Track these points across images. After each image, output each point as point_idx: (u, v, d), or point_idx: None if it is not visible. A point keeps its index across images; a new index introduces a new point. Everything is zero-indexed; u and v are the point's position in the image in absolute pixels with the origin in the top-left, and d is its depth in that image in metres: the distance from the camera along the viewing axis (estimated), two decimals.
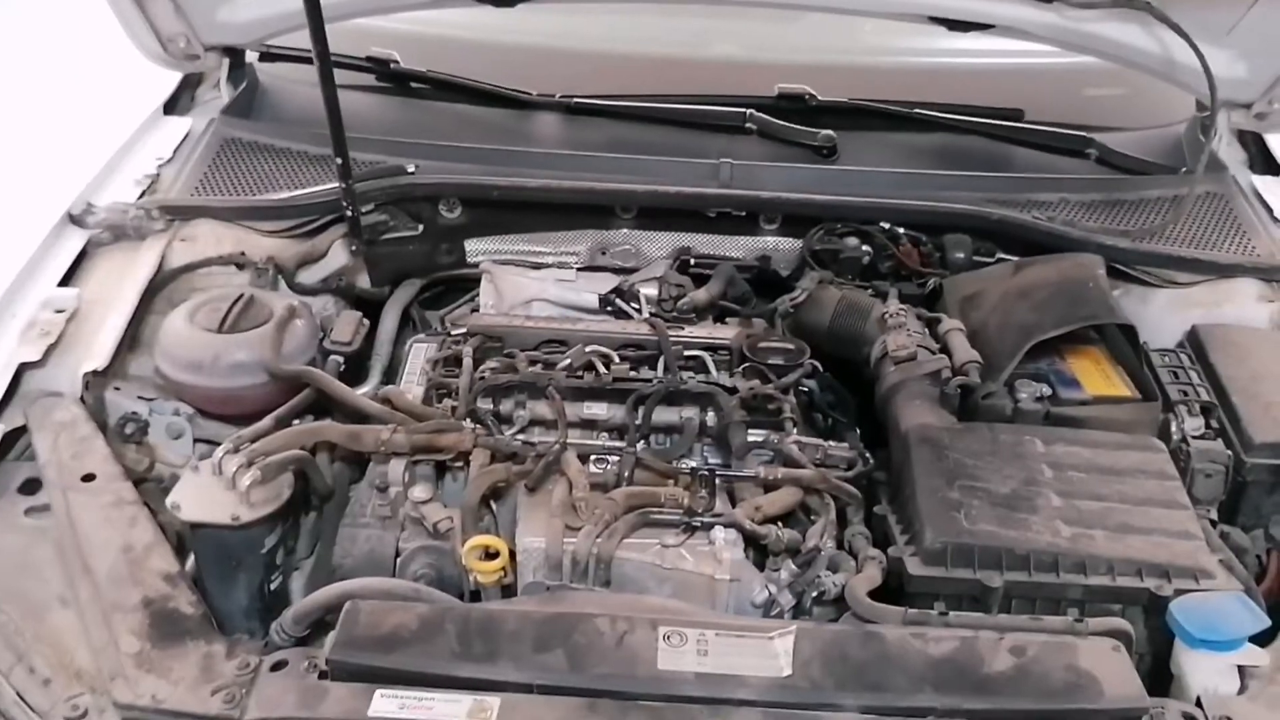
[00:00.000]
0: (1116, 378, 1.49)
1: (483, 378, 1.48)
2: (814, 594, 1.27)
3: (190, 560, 1.29)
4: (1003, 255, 1.79)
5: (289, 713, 1.04)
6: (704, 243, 1.85)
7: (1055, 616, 1.18)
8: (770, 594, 1.27)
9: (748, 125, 2.01)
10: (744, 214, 1.83)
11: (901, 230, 1.79)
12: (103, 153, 1.94)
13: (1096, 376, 1.49)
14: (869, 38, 2.20)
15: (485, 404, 1.47)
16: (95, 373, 1.46)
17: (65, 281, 1.62)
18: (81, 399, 1.43)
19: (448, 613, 1.14)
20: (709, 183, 1.83)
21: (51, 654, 1.11)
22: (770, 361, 1.56)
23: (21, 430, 1.38)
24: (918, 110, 2.07)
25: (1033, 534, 1.24)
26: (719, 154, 1.88)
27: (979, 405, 1.47)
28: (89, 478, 1.30)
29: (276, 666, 1.09)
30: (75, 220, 1.72)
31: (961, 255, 1.78)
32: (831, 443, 1.46)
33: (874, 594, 1.23)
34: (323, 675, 1.07)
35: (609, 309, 1.69)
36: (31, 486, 1.31)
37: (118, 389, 1.50)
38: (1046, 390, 1.46)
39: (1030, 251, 1.73)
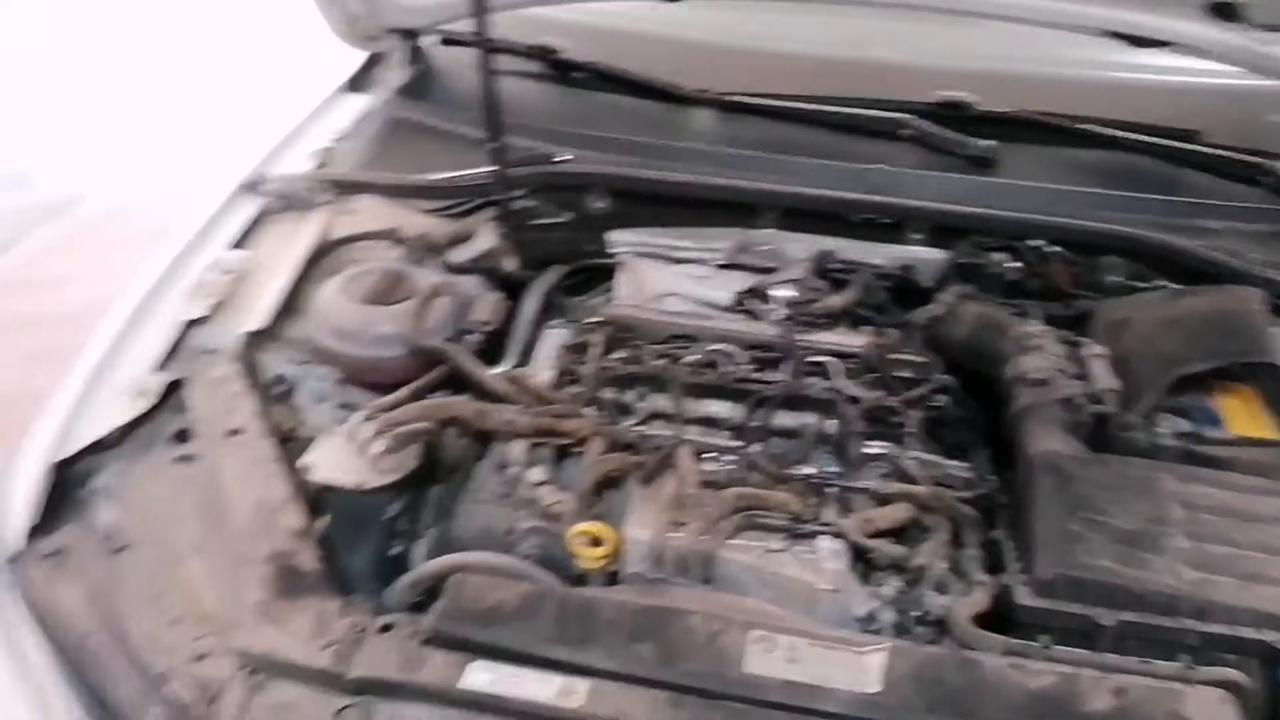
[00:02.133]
0: (1266, 420, 1.38)
1: (608, 367, 1.50)
2: (917, 613, 1.24)
3: (320, 520, 1.35)
4: (1163, 282, 1.69)
5: (389, 674, 1.07)
6: (847, 248, 1.80)
7: (1166, 661, 1.12)
8: (872, 609, 1.24)
9: (903, 131, 1.95)
10: (890, 221, 1.78)
11: (1054, 249, 1.71)
12: (291, 124, 2.06)
13: (1244, 417, 1.39)
14: (1038, 47, 2.09)
15: (609, 393, 1.48)
16: (253, 334, 1.54)
17: (237, 246, 1.72)
18: (238, 357, 1.50)
19: (548, 594, 1.16)
20: (856, 188, 1.79)
21: (183, 597, 1.18)
22: (899, 374, 1.52)
23: (181, 383, 1.45)
24: (1084, 125, 1.97)
25: (1152, 574, 1.17)
26: (870, 159, 1.84)
27: (1114, 436, 1.39)
28: (235, 432, 1.37)
29: (384, 629, 1.13)
30: (252, 188, 1.82)
31: (1115, 279, 1.69)
32: (953, 462, 1.41)
33: (980, 621, 1.19)
34: (426, 642, 1.11)
35: (742, 308, 1.67)
36: (183, 436, 1.39)
37: (272, 351, 1.57)
38: (1188, 427, 1.37)
39: (1190, 280, 1.63)
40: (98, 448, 1.36)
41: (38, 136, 4.65)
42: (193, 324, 1.53)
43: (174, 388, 1.45)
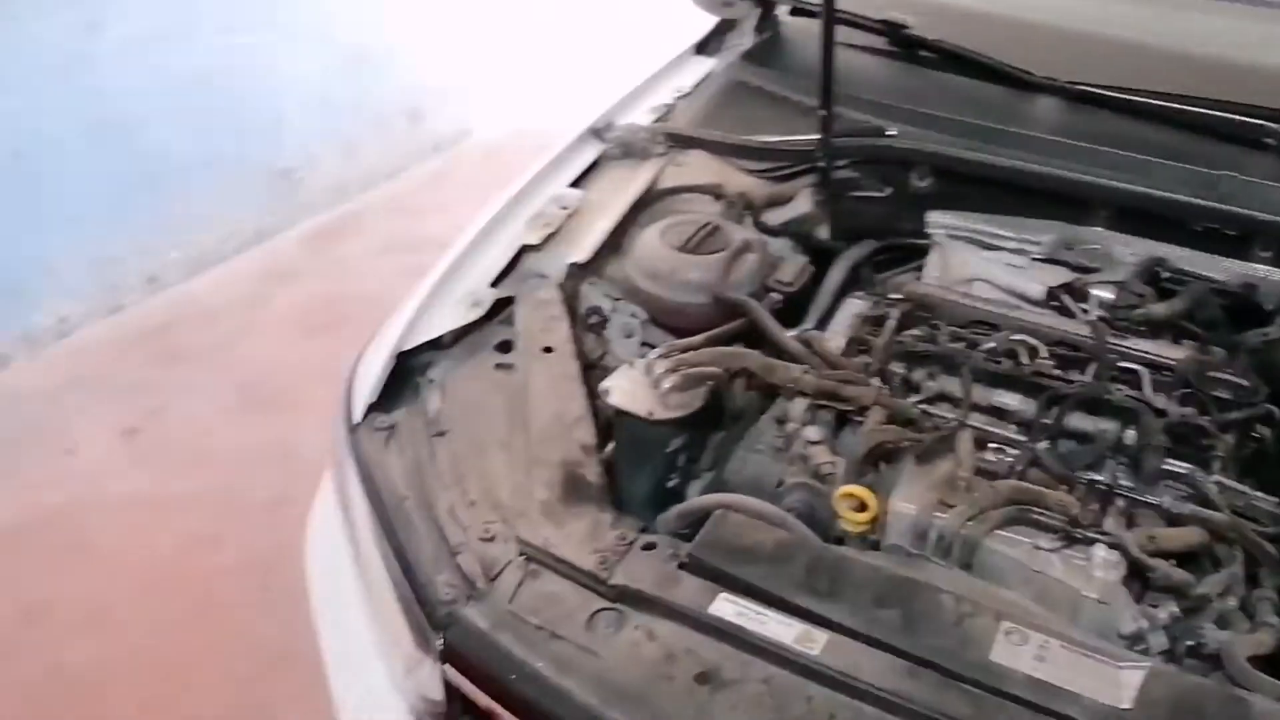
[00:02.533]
0: None
1: (901, 342, 1.47)
2: (1190, 643, 1.14)
3: (610, 444, 1.43)
4: None
5: (645, 588, 1.13)
6: (1183, 258, 1.65)
7: None
8: (1140, 628, 1.16)
9: (1268, 140, 1.76)
10: (1236, 234, 1.62)
11: None
12: (639, 80, 2.16)
13: None
14: None
15: (898, 368, 1.46)
16: (577, 265, 1.64)
17: (576, 184, 1.83)
18: (560, 285, 1.61)
19: (803, 545, 1.18)
20: (1203, 193, 1.64)
21: (481, 484, 1.30)
22: (1217, 394, 1.39)
23: (510, 300, 1.59)
24: None
25: None
26: (1221, 165, 1.67)
27: None
28: (548, 350, 1.47)
29: (647, 547, 1.19)
30: (596, 134, 1.93)
31: None
32: (1263, 495, 1.28)
33: (1259, 664, 1.09)
34: (682, 566, 1.16)
35: (1053, 303, 1.59)
36: (505, 346, 1.52)
37: (592, 284, 1.67)
38: None
39: None
40: (434, 345, 1.51)
41: (431, 78, 5.12)
42: (527, 249, 1.66)
43: (504, 303, 1.58)
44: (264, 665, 2.44)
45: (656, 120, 1.98)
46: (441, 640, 1.14)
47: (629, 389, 1.40)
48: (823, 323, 1.66)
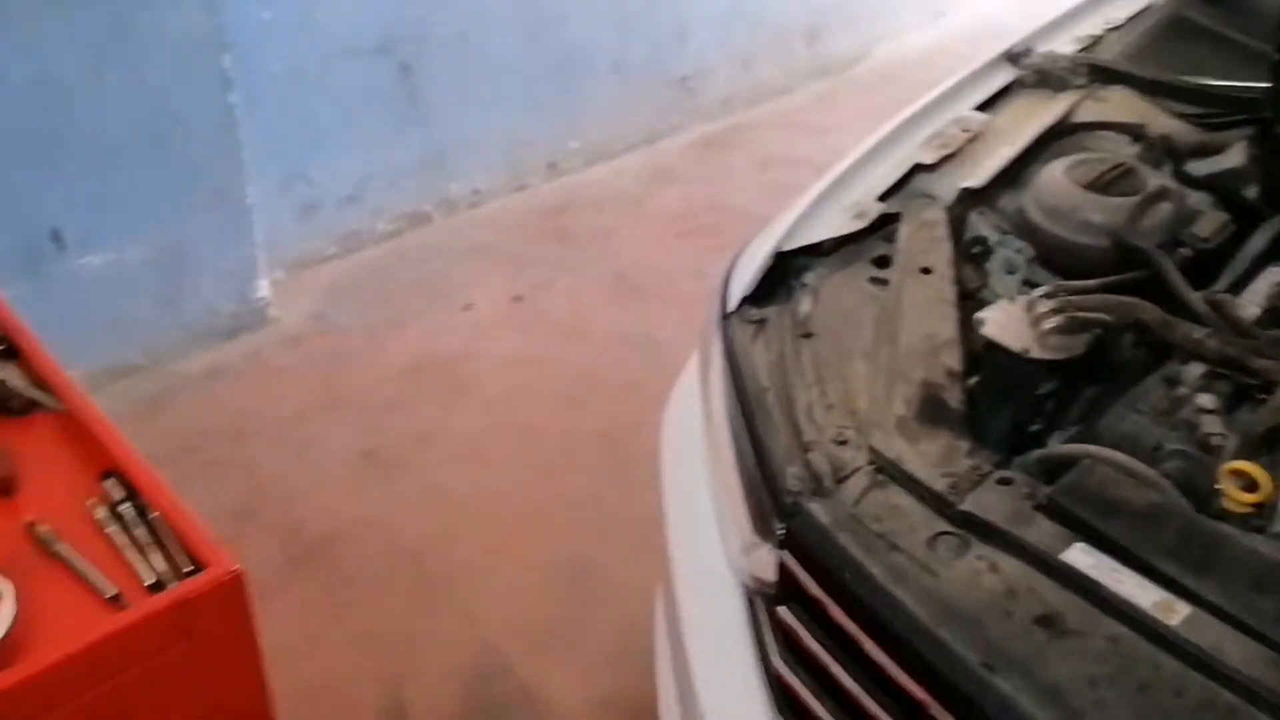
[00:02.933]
0: None
1: None
2: None
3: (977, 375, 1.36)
4: None
5: (995, 520, 1.08)
6: None
7: None
8: None
9: None
10: None
11: None
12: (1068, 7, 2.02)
13: None
14: None
15: None
16: (970, 191, 1.57)
17: (982, 108, 1.74)
18: (948, 208, 1.55)
19: (1177, 511, 1.08)
20: None
21: (841, 389, 1.29)
22: None
23: (895, 216, 1.55)
24: None
25: None
26: None
27: None
28: (926, 270, 1.43)
29: (1003, 481, 1.14)
30: (1011, 59, 1.82)
31: None
32: None
33: None
34: (1038, 507, 1.10)
35: None
36: (882, 261, 1.49)
37: (981, 213, 1.59)
38: None
39: None
40: (813, 250, 1.51)
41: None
42: (920, 168, 1.60)
43: (888, 219, 1.54)
44: (604, 525, 2.61)
45: (1080, 50, 1.83)
46: (784, 529, 1.16)
47: (1005, 323, 1.33)
48: (1236, 288, 1.48)
